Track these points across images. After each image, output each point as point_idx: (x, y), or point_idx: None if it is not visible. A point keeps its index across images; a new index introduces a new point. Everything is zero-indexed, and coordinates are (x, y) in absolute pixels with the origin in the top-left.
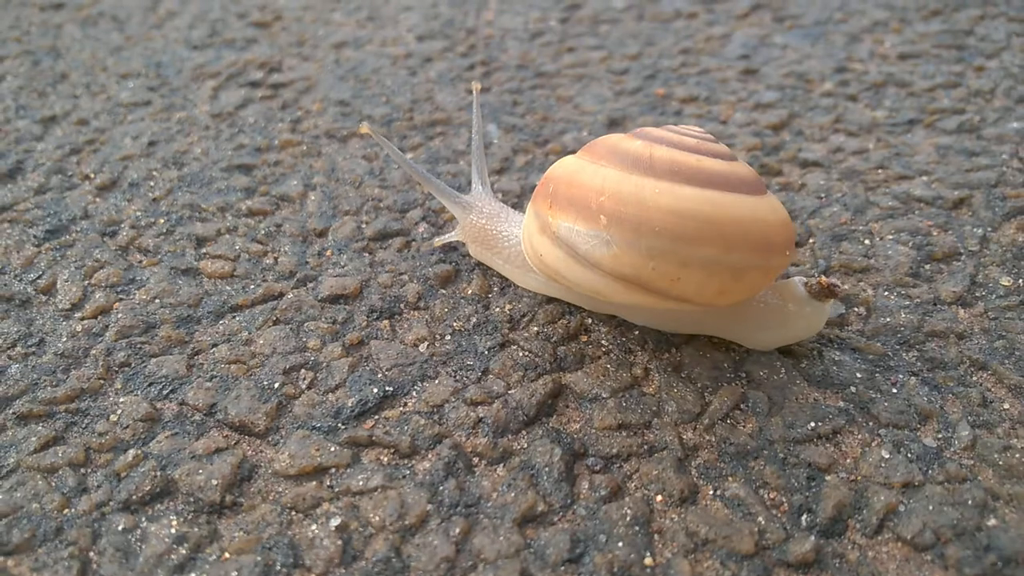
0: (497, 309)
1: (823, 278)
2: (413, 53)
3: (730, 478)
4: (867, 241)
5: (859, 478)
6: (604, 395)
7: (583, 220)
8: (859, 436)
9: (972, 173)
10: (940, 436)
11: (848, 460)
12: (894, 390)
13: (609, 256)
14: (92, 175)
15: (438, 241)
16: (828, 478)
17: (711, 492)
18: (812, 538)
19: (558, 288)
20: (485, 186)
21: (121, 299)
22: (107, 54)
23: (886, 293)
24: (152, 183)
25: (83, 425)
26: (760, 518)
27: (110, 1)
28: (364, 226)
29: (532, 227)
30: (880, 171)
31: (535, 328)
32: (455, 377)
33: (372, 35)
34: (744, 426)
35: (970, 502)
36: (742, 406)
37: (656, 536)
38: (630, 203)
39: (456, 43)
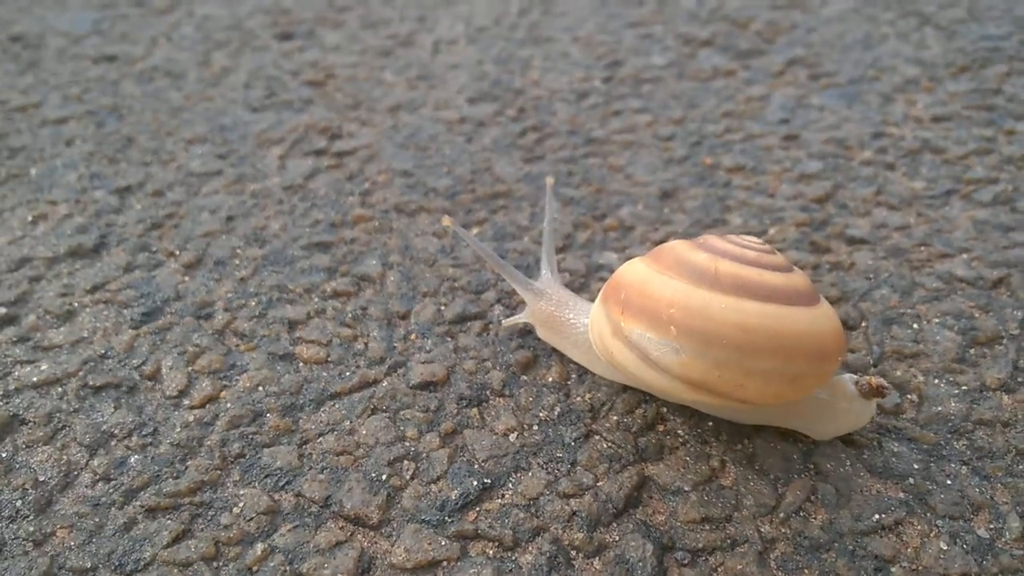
0: (578, 398)
1: (872, 379)
2: (466, 118)
3: (806, 571)
4: (915, 325)
5: (920, 568)
6: (686, 488)
7: (654, 329)
8: (919, 527)
9: (1009, 250)
10: (992, 527)
11: (910, 550)
12: (948, 481)
13: (678, 363)
14: (177, 252)
15: (507, 323)
16: (893, 569)
17: None
18: None
19: (629, 378)
20: (554, 273)
21: (226, 386)
22: (169, 116)
23: (936, 380)
24: (237, 261)
25: (208, 517)
26: None
27: (162, 54)
28: (443, 308)
29: (604, 328)
30: (923, 248)
31: (615, 417)
32: (547, 469)
33: (425, 97)
34: (815, 518)
35: None
36: (812, 498)
37: None
38: (698, 316)
39: (506, 105)
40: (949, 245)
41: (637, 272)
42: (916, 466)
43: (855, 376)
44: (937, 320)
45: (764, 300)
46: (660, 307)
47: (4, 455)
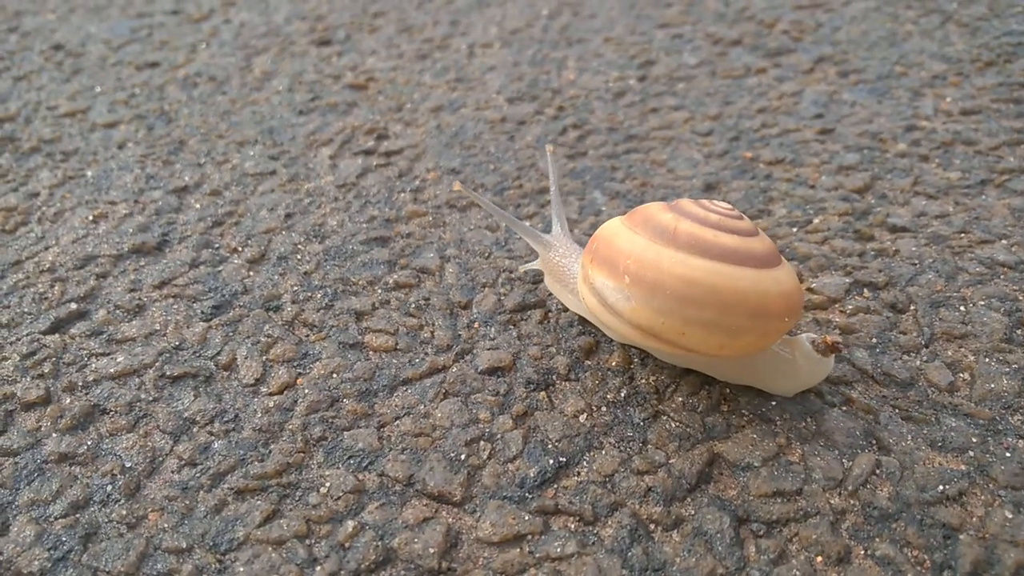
0: (643, 381)
1: (827, 336)
2: (507, 117)
3: (877, 539)
4: (962, 308)
5: (987, 536)
6: (756, 464)
7: (612, 277)
8: (982, 497)
9: None
10: None
11: (975, 519)
12: (1007, 453)
13: (629, 309)
14: (240, 248)
15: (523, 267)
16: (961, 537)
17: (863, 552)
18: None
19: (599, 323)
20: (564, 228)
21: (301, 374)
22: (217, 119)
23: (986, 359)
24: (299, 256)
25: (296, 497)
26: (908, 575)
27: (203, 59)
28: (503, 298)
29: (580, 275)
30: (963, 235)
31: (680, 398)
32: (619, 448)
33: (464, 98)
34: (882, 490)
35: None
36: (877, 471)
37: None
38: (649, 268)
39: (545, 104)
40: (988, 232)
41: (611, 227)
42: (974, 440)
43: (811, 335)
44: (983, 302)
45: (713, 258)
46: (619, 258)
47: (89, 443)
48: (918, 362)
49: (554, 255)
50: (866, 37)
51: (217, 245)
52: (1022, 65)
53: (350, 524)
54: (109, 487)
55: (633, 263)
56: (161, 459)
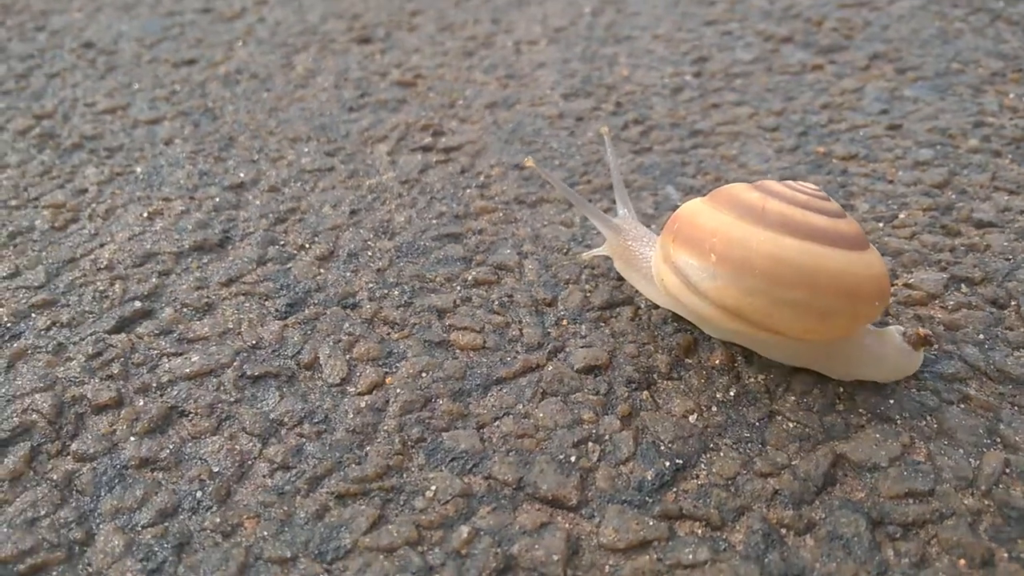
0: (751, 380)
1: (920, 329)
2: (564, 113)
3: (1020, 540)
4: None
5: None
6: (883, 464)
7: (697, 256)
8: None
9: None
10: None
11: None
12: None
13: (714, 288)
14: (307, 245)
15: (587, 255)
16: None
17: (1006, 555)
18: None
19: (679, 307)
20: (630, 211)
21: (388, 373)
22: (265, 116)
23: None
24: (370, 253)
25: (400, 502)
26: None
27: (241, 56)
28: (589, 295)
29: (659, 255)
30: None
31: (792, 398)
32: (737, 449)
33: (518, 95)
34: (1015, 489)
35: None
36: (1007, 470)
37: None
38: (737, 246)
39: (601, 100)
40: None
41: (693, 207)
42: None
43: (902, 327)
44: None
45: (803, 238)
46: (704, 236)
47: (171, 447)
48: None
49: (624, 238)
50: (917, 35)
51: (283, 242)
52: None
53: (464, 530)
54: (198, 493)
55: (720, 241)
56: (251, 463)
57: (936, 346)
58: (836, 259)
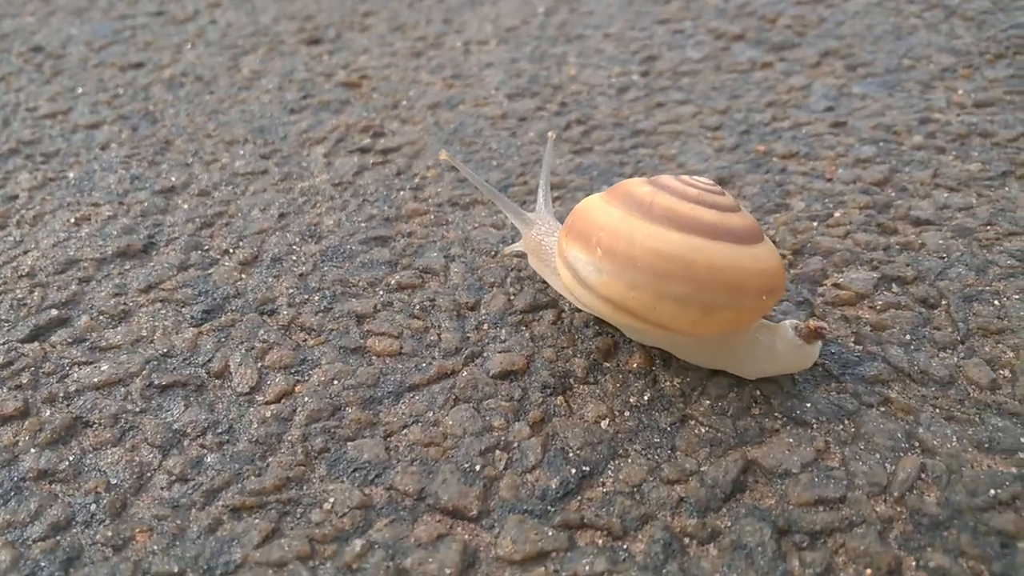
0: (667, 383)
1: (811, 322)
2: (508, 113)
3: (929, 549)
4: (996, 302)
5: None
6: (794, 470)
7: (585, 251)
8: None
9: None
10: None
11: None
12: None
13: (600, 282)
14: (231, 250)
15: (506, 250)
16: (1020, 545)
17: (914, 564)
18: None
19: (577, 302)
20: (548, 207)
21: (299, 381)
22: (205, 119)
23: None
24: (295, 258)
25: (297, 515)
26: None
27: (188, 59)
28: (513, 298)
29: (556, 250)
30: (989, 227)
31: (707, 401)
32: (645, 455)
33: (463, 95)
34: (929, 495)
35: None
36: (923, 475)
37: None
38: (622, 240)
39: (546, 100)
40: (1015, 223)
41: (588, 202)
42: (1023, 440)
43: (795, 322)
44: (1017, 296)
45: (689, 232)
46: (592, 230)
47: (71, 459)
48: (955, 359)
49: (535, 232)
50: (871, 31)
51: (207, 247)
52: None
53: (357, 543)
54: (93, 506)
55: (606, 235)
56: (149, 475)
57: (827, 336)
58: (720, 253)
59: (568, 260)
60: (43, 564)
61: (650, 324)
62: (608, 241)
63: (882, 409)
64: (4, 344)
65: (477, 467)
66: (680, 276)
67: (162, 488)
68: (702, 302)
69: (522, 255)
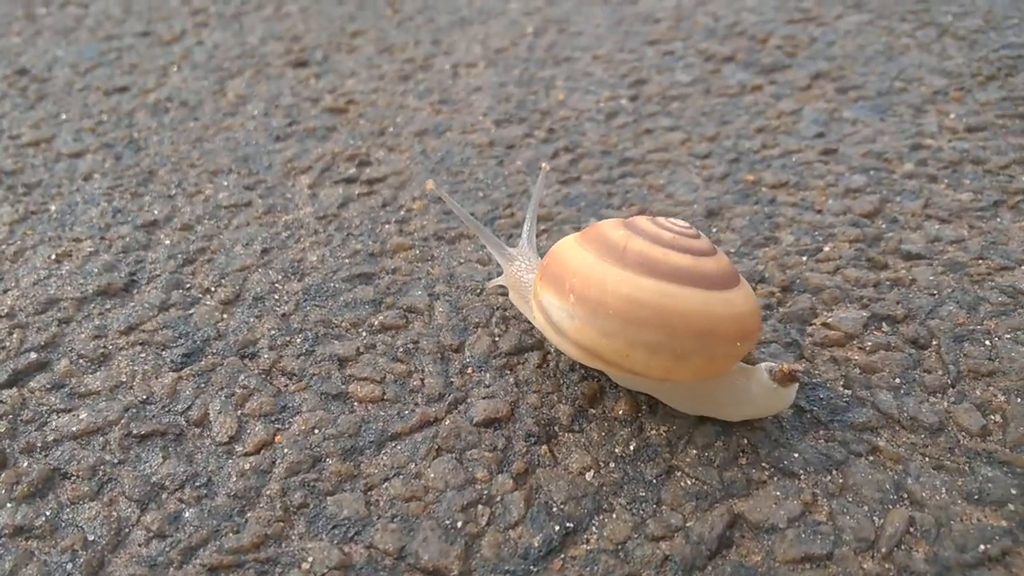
0: (653, 431)
1: (784, 366)
2: (495, 141)
3: None
4: (987, 342)
5: None
6: (780, 525)
7: (558, 295)
8: None
9: None
10: None
11: None
12: None
13: (572, 328)
14: (212, 288)
15: (491, 284)
16: None
17: None
18: None
19: (553, 343)
20: (531, 243)
21: (279, 430)
22: (189, 147)
23: (1018, 399)
24: (277, 296)
25: (275, 575)
26: None
27: (174, 83)
28: (498, 339)
29: (531, 292)
30: (981, 262)
31: (694, 451)
32: (630, 510)
33: (450, 121)
34: (918, 551)
35: None
36: (911, 529)
37: None
38: (594, 286)
39: (534, 127)
40: (1007, 257)
41: (564, 244)
42: (1014, 491)
43: (770, 364)
44: (1008, 336)
45: (660, 278)
46: (565, 275)
47: (48, 513)
48: (945, 404)
49: (515, 268)
50: (862, 51)
51: (188, 285)
52: None
53: None
54: (69, 565)
55: (579, 281)
56: (127, 531)
57: (801, 379)
58: (692, 300)
59: (542, 304)
60: None
61: (624, 371)
62: (580, 287)
63: (871, 458)
64: None
65: (459, 523)
66: (652, 323)
67: (139, 545)
68: (674, 349)
69: (506, 291)
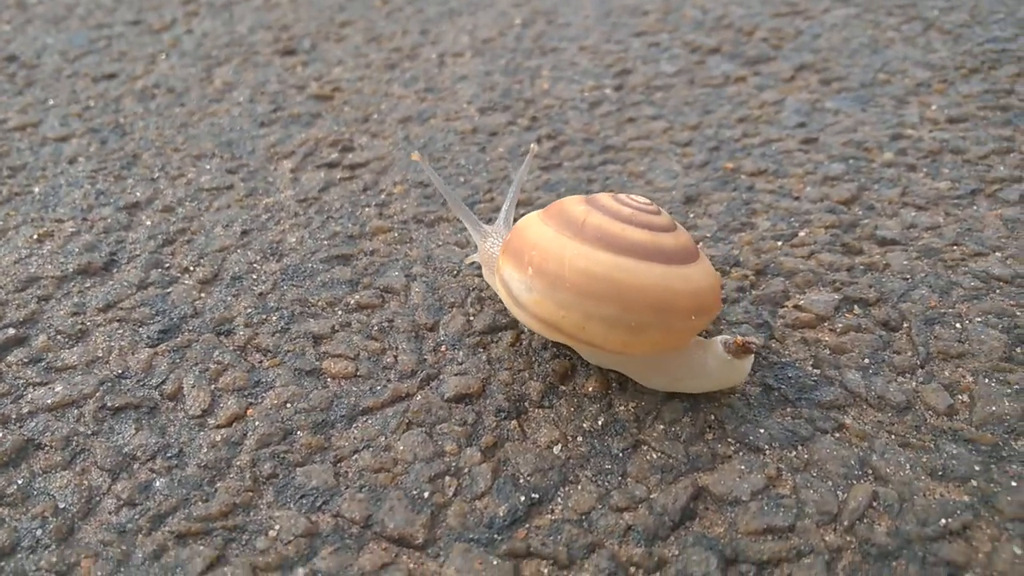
0: (621, 407)
1: (739, 338)
2: (478, 128)
3: None
4: (958, 325)
5: (995, 574)
6: (744, 498)
7: (517, 269)
8: (988, 531)
9: None
10: None
11: (981, 556)
12: (1013, 482)
13: (531, 301)
14: (191, 268)
15: (467, 259)
16: None
17: None
18: None
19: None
20: (507, 223)
21: (252, 404)
22: (174, 132)
23: (986, 380)
24: (255, 276)
25: (242, 542)
26: None
27: (162, 70)
28: (472, 319)
29: (496, 266)
30: (955, 248)
31: (661, 426)
32: (596, 482)
33: (434, 108)
34: (880, 524)
35: None
36: (874, 504)
37: None
38: (552, 260)
39: (517, 115)
40: (982, 244)
41: (526, 220)
42: (977, 468)
43: (725, 337)
44: (979, 319)
45: (618, 252)
46: (525, 248)
47: (20, 482)
48: (914, 384)
49: (488, 245)
50: (847, 44)
51: (168, 264)
52: (1007, 72)
53: (300, 572)
54: (39, 531)
55: (537, 254)
56: (98, 499)
57: (755, 350)
58: (648, 274)
59: (504, 278)
60: None
61: (585, 344)
62: (539, 260)
63: (836, 435)
64: None
65: (426, 494)
66: (607, 297)
67: (110, 512)
68: (629, 322)
69: (481, 270)
